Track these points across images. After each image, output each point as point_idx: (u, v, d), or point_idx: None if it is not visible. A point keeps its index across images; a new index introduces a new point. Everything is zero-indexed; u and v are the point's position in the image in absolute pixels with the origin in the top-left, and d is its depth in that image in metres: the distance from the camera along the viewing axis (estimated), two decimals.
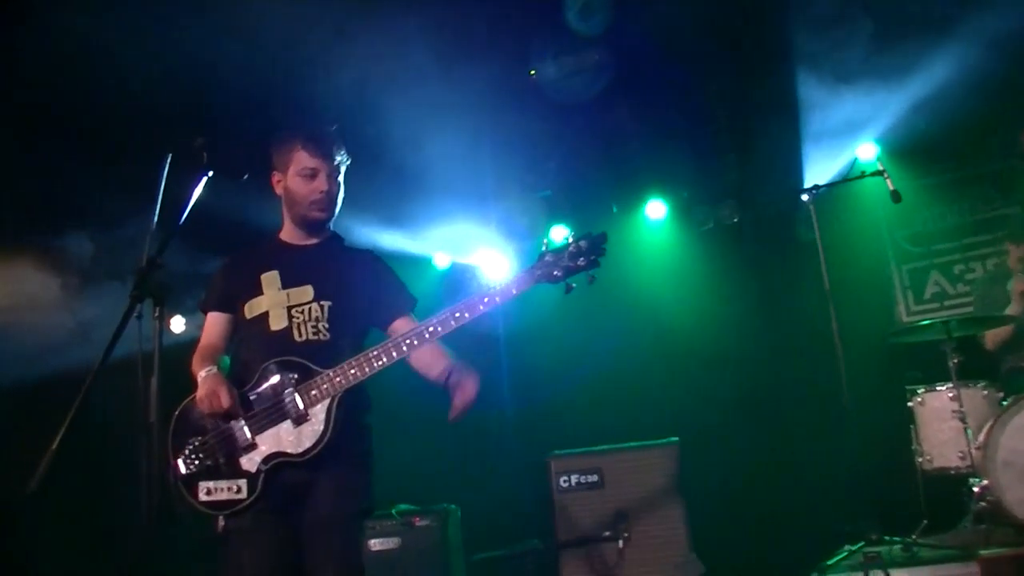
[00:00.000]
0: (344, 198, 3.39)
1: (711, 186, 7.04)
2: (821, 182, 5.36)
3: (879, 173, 5.16)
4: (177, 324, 6.93)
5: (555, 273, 2.99)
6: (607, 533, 4.85)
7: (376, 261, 3.43)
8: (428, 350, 3.14)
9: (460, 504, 5.58)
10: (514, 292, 3.02)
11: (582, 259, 2.98)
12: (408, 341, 3.04)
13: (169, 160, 2.95)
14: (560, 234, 7.08)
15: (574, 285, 3.02)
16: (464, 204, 7.18)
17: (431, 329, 3.03)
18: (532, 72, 6.67)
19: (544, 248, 3.04)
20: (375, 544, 5.20)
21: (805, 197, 5.16)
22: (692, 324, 6.61)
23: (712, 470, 5.84)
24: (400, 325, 3.30)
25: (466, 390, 3.16)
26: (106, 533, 5.29)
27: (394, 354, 3.04)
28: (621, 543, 4.84)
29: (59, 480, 2.53)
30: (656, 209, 7.16)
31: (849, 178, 5.29)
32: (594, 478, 4.98)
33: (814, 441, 5.87)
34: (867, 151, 6.26)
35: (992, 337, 5.50)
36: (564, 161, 7.12)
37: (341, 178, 3.35)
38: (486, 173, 7.21)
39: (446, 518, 5.31)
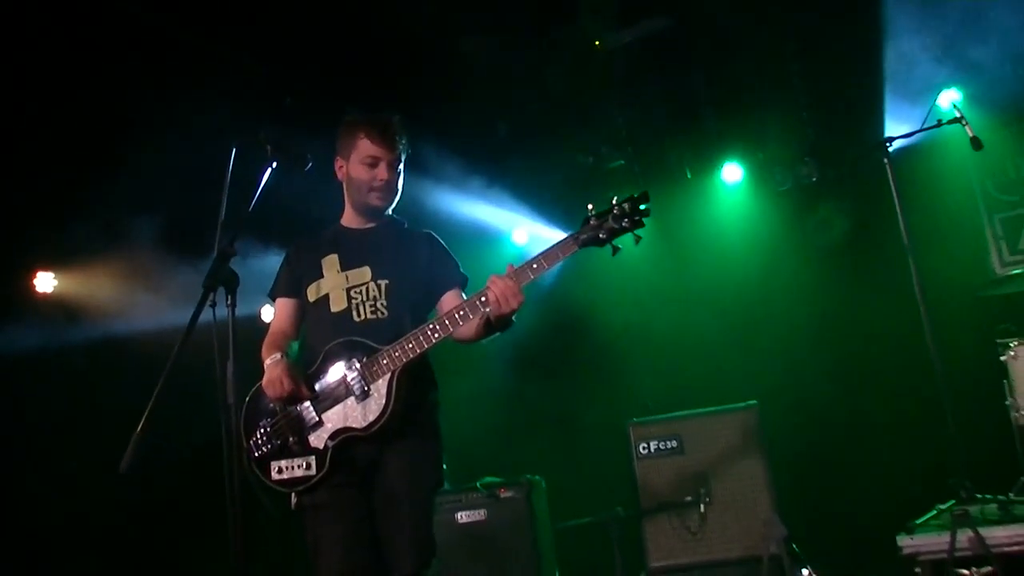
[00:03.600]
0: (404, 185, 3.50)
1: (788, 145, 6.91)
2: (900, 132, 5.21)
3: (957, 120, 4.98)
4: (267, 313, 7.19)
5: (600, 236, 3.00)
6: (688, 498, 4.86)
7: (432, 241, 3.51)
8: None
9: (544, 475, 5.66)
10: (560, 257, 3.04)
11: (626, 220, 2.99)
12: (462, 312, 3.11)
13: (234, 152, 3.08)
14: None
15: (620, 247, 3.03)
16: (543, 179, 7.24)
17: (483, 299, 3.09)
18: (597, 43, 6.66)
19: (589, 212, 3.06)
20: (462, 516, 5.33)
21: (878, 151, 5.02)
22: (772, 286, 6.54)
23: (794, 432, 5.78)
24: (448, 299, 3.38)
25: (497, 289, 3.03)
26: (192, 511, 5.57)
27: (449, 327, 3.11)
28: (703, 507, 4.84)
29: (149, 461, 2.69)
30: (732, 172, 7.07)
31: (924, 128, 5.09)
32: (673, 444, 4.99)
33: (900, 399, 5.75)
34: (948, 98, 6.04)
35: None
36: (635, 129, 7.08)
37: (402, 167, 3.45)
38: (559, 146, 7.25)
39: (531, 489, 5.40)
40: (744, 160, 7.07)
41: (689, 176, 7.17)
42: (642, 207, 2.99)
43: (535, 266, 3.04)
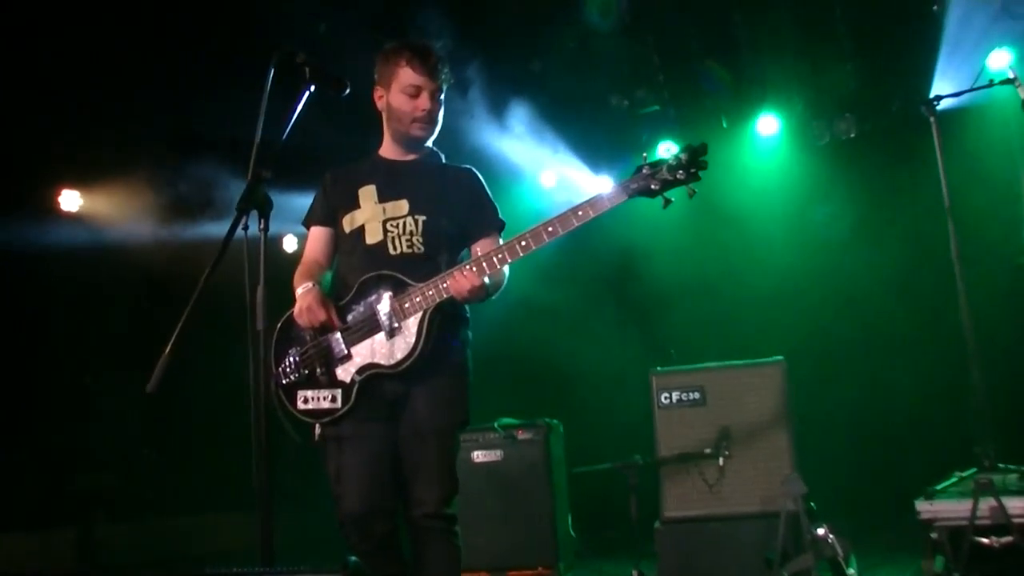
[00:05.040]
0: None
1: (829, 98, 6.75)
2: (949, 91, 5.06)
3: (1010, 81, 4.81)
4: (289, 243, 7.16)
5: (652, 187, 2.92)
6: (708, 450, 4.82)
7: (473, 179, 3.41)
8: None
9: (564, 419, 5.65)
10: (607, 206, 2.96)
11: (681, 172, 2.89)
12: (500, 255, 3.04)
13: (272, 75, 2.99)
14: (670, 150, 6.96)
15: (672, 199, 2.94)
16: (574, 120, 7.11)
17: (523, 243, 3.01)
18: None
19: (643, 161, 2.97)
20: (478, 456, 5.34)
21: (925, 109, 4.87)
22: (804, 243, 6.44)
23: (820, 390, 5.73)
24: (483, 245, 3.29)
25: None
26: (217, 437, 5.61)
27: (487, 269, 3.05)
28: (722, 461, 4.79)
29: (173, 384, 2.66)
30: (768, 124, 6.93)
31: (975, 87, 4.94)
32: (696, 395, 4.92)
33: (929, 363, 5.69)
34: (1000, 59, 5.84)
35: None
36: (672, 75, 6.93)
37: (443, 97, 3.35)
38: (594, 90, 7.12)
39: (548, 432, 5.39)
40: (781, 112, 6.92)
41: (725, 126, 7.03)
42: (701, 159, 2.89)
43: (580, 213, 2.97)
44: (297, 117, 3.06)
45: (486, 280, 3.06)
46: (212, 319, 3.25)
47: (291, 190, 5.11)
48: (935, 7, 6.04)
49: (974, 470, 4.45)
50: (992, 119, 6.13)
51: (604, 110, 7.17)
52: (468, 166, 3.47)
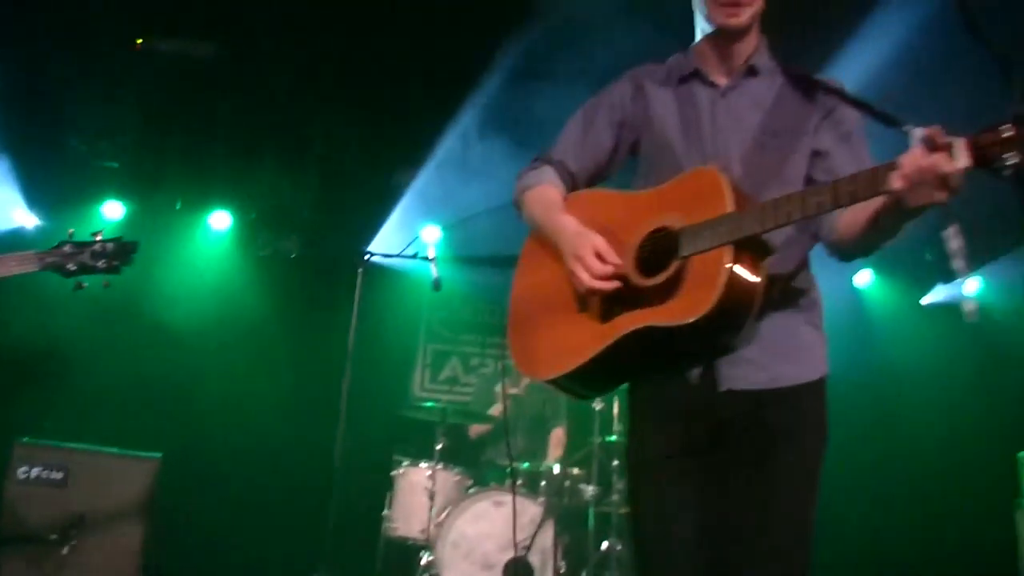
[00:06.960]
0: None
1: (282, 215, 7.07)
2: (383, 250, 5.74)
3: (427, 259, 5.56)
4: None
5: (69, 266, 2.87)
6: (54, 536, 4.54)
7: None
8: None
9: None
10: (14, 271, 2.81)
11: (103, 261, 2.90)
12: None
13: None
14: (113, 210, 6.68)
15: (86, 284, 2.90)
16: (22, 146, 6.45)
17: None
18: (139, 41, 6.30)
19: (68, 236, 2.88)
20: None
21: (357, 259, 5.41)
22: (223, 346, 6.50)
23: (191, 493, 5.73)
24: None
25: None
26: None
27: None
28: (67, 550, 4.54)
29: None
30: (220, 220, 7.01)
31: (401, 255, 5.64)
32: (58, 475, 4.64)
33: (301, 486, 6.01)
34: (430, 234, 6.70)
35: (475, 430, 6.15)
36: (140, 139, 6.72)
37: None
38: (57, 123, 6.59)
39: None
40: (235, 212, 7.04)
41: (178, 207, 6.95)
42: (126, 255, 2.90)
43: None
44: None
45: None
46: None
47: None
48: (394, 173, 6.78)
49: None
50: (411, 285, 6.94)
51: (62, 148, 6.65)
52: None
